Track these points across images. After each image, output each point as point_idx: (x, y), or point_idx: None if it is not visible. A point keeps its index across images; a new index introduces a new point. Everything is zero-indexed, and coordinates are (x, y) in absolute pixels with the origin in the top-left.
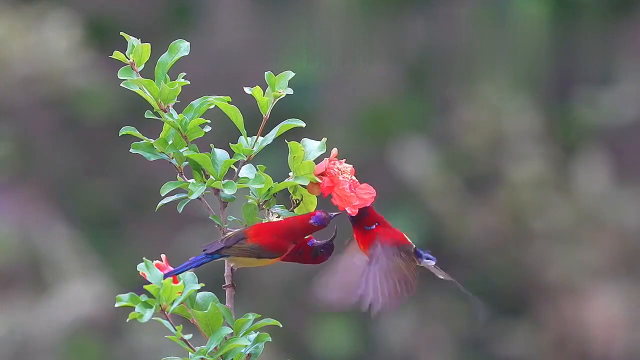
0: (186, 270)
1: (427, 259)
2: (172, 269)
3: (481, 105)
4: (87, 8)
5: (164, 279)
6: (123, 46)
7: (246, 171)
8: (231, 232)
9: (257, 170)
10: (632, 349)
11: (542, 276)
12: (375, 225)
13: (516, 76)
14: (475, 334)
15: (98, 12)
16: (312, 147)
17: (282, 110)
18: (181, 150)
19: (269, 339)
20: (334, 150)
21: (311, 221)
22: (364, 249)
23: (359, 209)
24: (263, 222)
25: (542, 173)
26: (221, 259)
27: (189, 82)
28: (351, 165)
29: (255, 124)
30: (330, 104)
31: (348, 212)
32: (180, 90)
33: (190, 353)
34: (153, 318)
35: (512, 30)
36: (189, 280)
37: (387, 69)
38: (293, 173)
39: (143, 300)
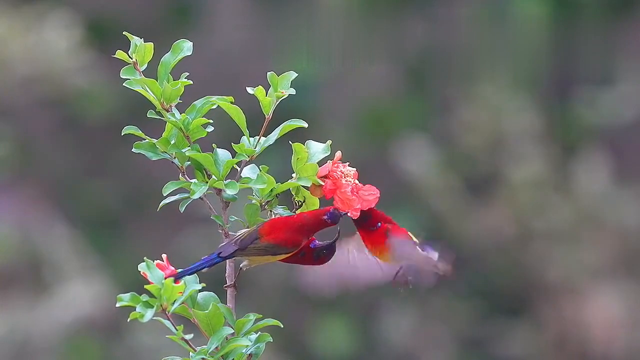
0: (198, 270)
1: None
2: (173, 268)
3: (481, 105)
4: (87, 8)
5: (176, 279)
6: (123, 46)
7: (248, 171)
8: (244, 232)
9: (259, 170)
10: (632, 349)
11: (542, 276)
12: (380, 224)
13: (516, 76)
14: (475, 334)
15: (98, 12)
16: (316, 149)
17: (282, 110)
18: (183, 150)
19: (270, 339)
20: (338, 153)
21: (325, 217)
22: (372, 248)
23: (361, 211)
24: (274, 217)
25: (542, 173)
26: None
27: (191, 82)
28: (355, 169)
29: (257, 124)
30: (330, 104)
31: (349, 215)
32: (183, 89)
33: (191, 353)
34: (154, 318)
35: (512, 30)
36: (190, 280)
37: (387, 69)
38: (296, 174)
39: (144, 300)
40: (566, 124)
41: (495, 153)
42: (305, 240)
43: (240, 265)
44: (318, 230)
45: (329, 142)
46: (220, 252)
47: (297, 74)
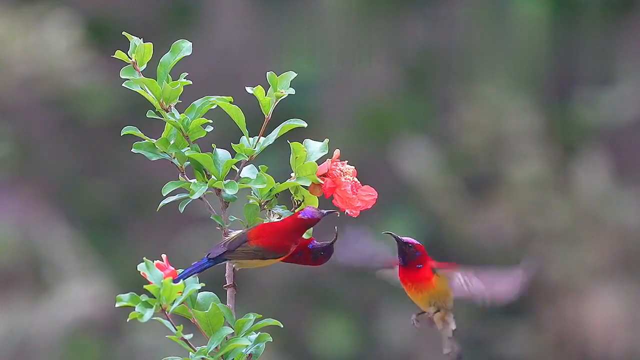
0: (189, 276)
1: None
2: (172, 268)
3: (481, 105)
4: (87, 8)
5: None
6: (123, 46)
7: (248, 171)
8: (233, 235)
9: (258, 170)
10: (632, 349)
11: (542, 276)
12: (423, 265)
13: (516, 76)
14: (475, 334)
15: (98, 12)
16: (314, 148)
17: (282, 110)
18: (183, 150)
19: (270, 339)
20: (337, 152)
21: (300, 215)
22: (409, 286)
23: (417, 251)
24: (264, 222)
25: (542, 173)
26: (224, 262)
27: (191, 82)
28: (353, 167)
29: (256, 124)
30: (330, 104)
31: (349, 213)
32: (182, 89)
33: (190, 353)
34: (153, 318)
35: (512, 30)
36: (190, 280)
37: (387, 69)
38: (295, 174)
39: (143, 300)
40: (566, 124)
41: (495, 153)
42: (293, 245)
43: (233, 266)
44: (304, 232)
45: (327, 140)
46: (209, 254)
47: (296, 74)
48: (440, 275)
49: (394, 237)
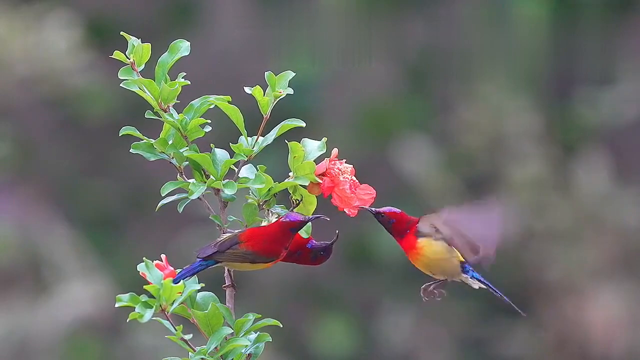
0: (180, 280)
1: (473, 277)
2: (172, 269)
3: (481, 105)
4: (87, 8)
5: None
6: (123, 46)
7: (246, 171)
8: (226, 236)
9: (257, 170)
10: (632, 349)
11: (542, 276)
12: (408, 230)
13: (516, 76)
14: (475, 334)
15: (98, 12)
16: (313, 147)
17: (282, 110)
18: (181, 150)
19: (269, 339)
20: (335, 151)
21: (282, 219)
22: (408, 254)
23: (390, 218)
24: (262, 224)
25: (542, 173)
26: (215, 265)
27: (189, 82)
28: (351, 166)
29: (255, 124)
30: (330, 103)
31: (347, 213)
32: (180, 90)
33: (190, 353)
34: (153, 318)
35: (512, 30)
36: (189, 281)
37: (387, 69)
38: (293, 173)
39: (143, 300)
40: (566, 124)
41: (495, 153)
42: (284, 249)
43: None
44: (291, 235)
45: (325, 139)
46: (199, 253)
47: (294, 74)
48: (425, 238)
49: (368, 210)
